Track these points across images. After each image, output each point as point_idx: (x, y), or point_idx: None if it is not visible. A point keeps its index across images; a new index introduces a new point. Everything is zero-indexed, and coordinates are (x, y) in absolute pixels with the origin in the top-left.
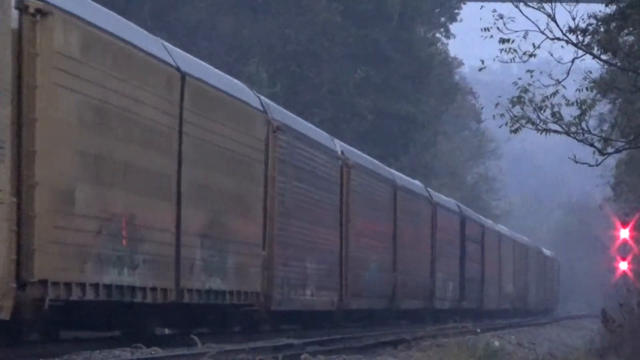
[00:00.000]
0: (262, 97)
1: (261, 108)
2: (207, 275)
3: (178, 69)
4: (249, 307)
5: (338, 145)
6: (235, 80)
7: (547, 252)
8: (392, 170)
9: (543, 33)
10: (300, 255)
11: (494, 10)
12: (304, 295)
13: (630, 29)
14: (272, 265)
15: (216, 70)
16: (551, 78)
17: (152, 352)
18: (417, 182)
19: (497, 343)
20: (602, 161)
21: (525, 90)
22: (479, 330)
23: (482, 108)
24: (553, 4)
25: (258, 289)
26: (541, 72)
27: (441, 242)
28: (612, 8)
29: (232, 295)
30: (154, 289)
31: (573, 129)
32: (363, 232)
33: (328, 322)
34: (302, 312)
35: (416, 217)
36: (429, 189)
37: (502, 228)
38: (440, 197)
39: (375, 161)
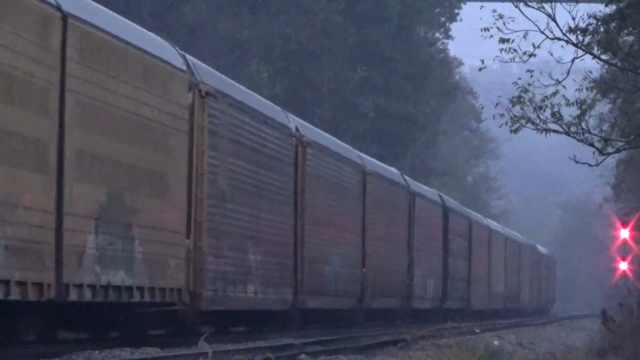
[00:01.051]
0: (190, 57)
1: (184, 68)
2: (103, 268)
3: (59, 7)
4: (168, 306)
5: (293, 120)
6: (154, 35)
7: (542, 249)
8: (362, 155)
9: (543, 33)
10: (240, 245)
11: (494, 10)
12: (245, 293)
13: (630, 29)
14: (200, 257)
15: (122, 18)
16: (551, 78)
17: (153, 352)
18: (392, 168)
19: (496, 343)
20: (602, 161)
21: (525, 90)
22: (478, 331)
23: (482, 108)
24: (553, 4)
25: (181, 285)
26: (541, 72)
27: (420, 236)
28: (612, 8)
29: (143, 292)
30: (21, 284)
31: (573, 128)
32: (323, 221)
33: (282, 323)
34: (253, 312)
35: (390, 207)
36: (406, 176)
37: (492, 223)
38: (420, 187)
39: (342, 143)
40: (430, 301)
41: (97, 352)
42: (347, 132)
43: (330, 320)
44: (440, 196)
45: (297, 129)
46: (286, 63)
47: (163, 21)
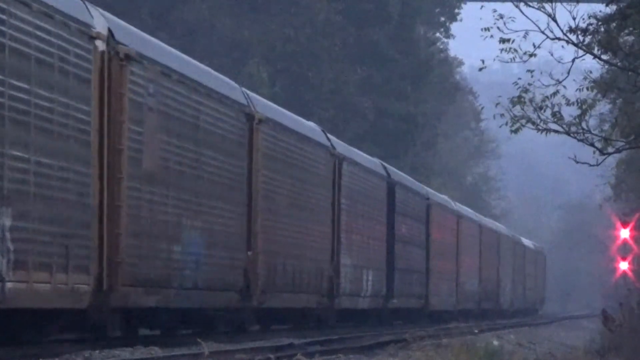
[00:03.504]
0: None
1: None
2: None
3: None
4: None
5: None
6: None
7: (528, 243)
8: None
9: (543, 33)
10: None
11: (494, 10)
12: None
13: (630, 29)
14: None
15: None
16: (551, 78)
17: (152, 352)
18: (311, 123)
19: (496, 343)
20: (602, 161)
21: (526, 90)
22: (477, 331)
23: (482, 108)
24: (553, 4)
25: None
26: (541, 72)
27: (350, 214)
28: (612, 8)
29: None
30: None
31: (573, 128)
32: (154, 178)
33: (82, 324)
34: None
35: (300, 172)
36: (331, 136)
37: (462, 207)
38: (350, 150)
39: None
40: (368, 299)
41: (97, 352)
42: (347, 132)
43: (192, 325)
44: (385, 167)
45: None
46: (286, 63)
47: (163, 21)
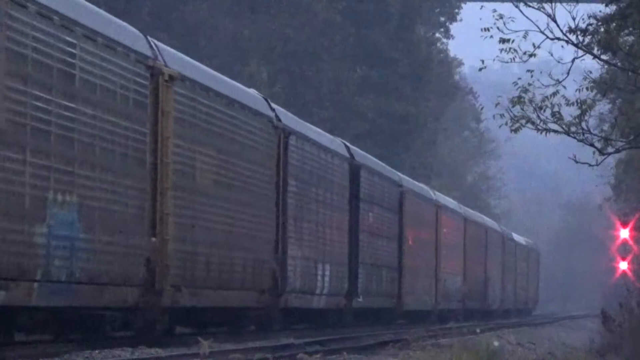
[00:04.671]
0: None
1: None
2: None
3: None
4: None
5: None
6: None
7: (520, 238)
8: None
9: (543, 33)
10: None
11: (494, 10)
12: None
13: (630, 29)
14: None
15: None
16: (551, 78)
17: (153, 352)
18: (252, 90)
19: (496, 343)
20: (602, 161)
21: (525, 90)
22: (478, 331)
23: (482, 108)
24: (553, 4)
25: None
26: (541, 72)
27: (301, 198)
28: (612, 8)
29: None
30: None
31: (573, 128)
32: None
33: None
34: None
35: (230, 144)
36: (278, 107)
37: (443, 197)
38: (301, 124)
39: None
40: (325, 297)
41: (97, 352)
42: (347, 132)
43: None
44: (348, 147)
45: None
46: (286, 63)
47: (163, 21)
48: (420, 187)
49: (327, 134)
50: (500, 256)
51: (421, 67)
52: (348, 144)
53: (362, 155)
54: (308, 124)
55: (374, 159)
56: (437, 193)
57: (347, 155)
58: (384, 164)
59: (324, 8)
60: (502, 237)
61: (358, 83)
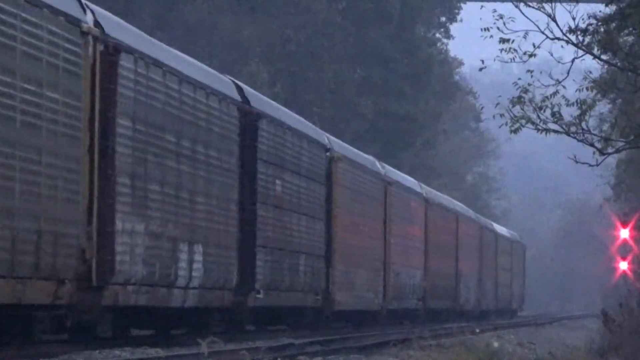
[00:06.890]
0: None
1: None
2: None
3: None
4: None
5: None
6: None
7: (502, 229)
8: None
9: (543, 33)
10: None
11: (494, 10)
12: None
13: (630, 29)
14: None
15: None
16: (551, 78)
17: (153, 352)
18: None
19: (496, 344)
20: (602, 161)
21: (525, 90)
22: (478, 330)
23: (482, 108)
24: (553, 4)
25: None
26: (541, 72)
27: (144, 147)
28: (612, 8)
29: None
30: None
31: (573, 129)
32: None
33: None
34: None
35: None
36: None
37: (395, 172)
38: (262, 101)
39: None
40: (197, 292)
41: (97, 352)
42: (347, 132)
43: None
44: (241, 88)
45: None
46: (286, 63)
47: (163, 21)
48: (364, 156)
49: (215, 72)
50: (477, 249)
51: (421, 67)
52: (244, 85)
53: (265, 103)
54: (156, 40)
55: (290, 112)
56: (386, 166)
57: (238, 98)
58: (305, 121)
59: (324, 8)
60: (480, 226)
61: (358, 83)
